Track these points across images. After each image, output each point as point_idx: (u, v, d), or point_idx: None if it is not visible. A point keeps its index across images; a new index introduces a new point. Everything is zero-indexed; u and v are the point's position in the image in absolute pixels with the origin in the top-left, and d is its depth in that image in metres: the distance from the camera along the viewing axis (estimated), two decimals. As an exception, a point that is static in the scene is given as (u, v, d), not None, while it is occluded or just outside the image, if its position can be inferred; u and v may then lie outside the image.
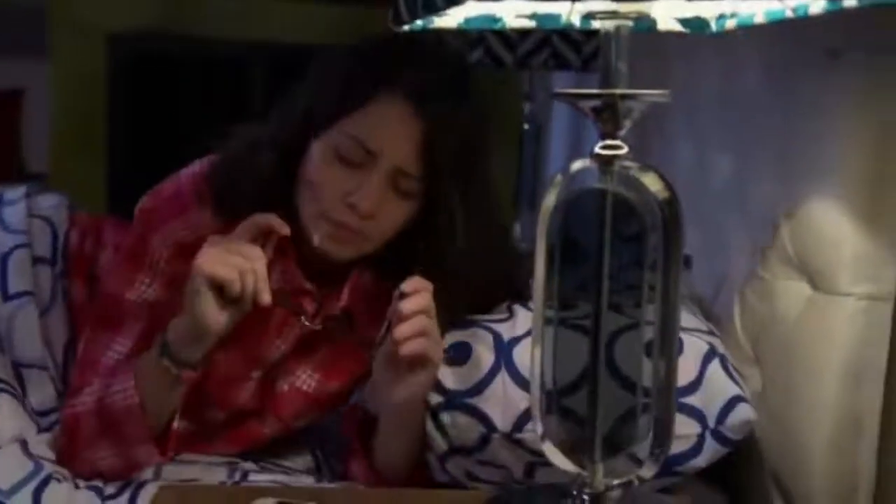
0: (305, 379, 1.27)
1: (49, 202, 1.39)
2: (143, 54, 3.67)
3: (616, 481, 0.90)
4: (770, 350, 1.20)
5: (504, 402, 1.12)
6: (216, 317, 1.06)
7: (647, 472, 0.90)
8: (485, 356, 1.15)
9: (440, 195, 1.12)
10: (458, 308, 1.16)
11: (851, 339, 1.08)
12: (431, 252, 1.14)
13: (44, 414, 1.25)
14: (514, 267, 1.23)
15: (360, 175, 1.11)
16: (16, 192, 1.40)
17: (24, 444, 1.18)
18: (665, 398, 0.89)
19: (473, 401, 1.13)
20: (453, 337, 1.17)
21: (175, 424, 1.15)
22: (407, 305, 1.03)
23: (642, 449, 0.89)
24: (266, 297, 1.06)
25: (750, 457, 1.19)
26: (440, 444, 1.15)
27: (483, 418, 1.13)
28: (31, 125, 4.06)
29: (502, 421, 1.12)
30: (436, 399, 1.14)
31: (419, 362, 1.06)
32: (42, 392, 1.25)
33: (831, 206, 1.10)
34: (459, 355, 1.15)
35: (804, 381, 1.12)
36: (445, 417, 1.14)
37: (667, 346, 0.88)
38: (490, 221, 1.19)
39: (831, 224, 1.10)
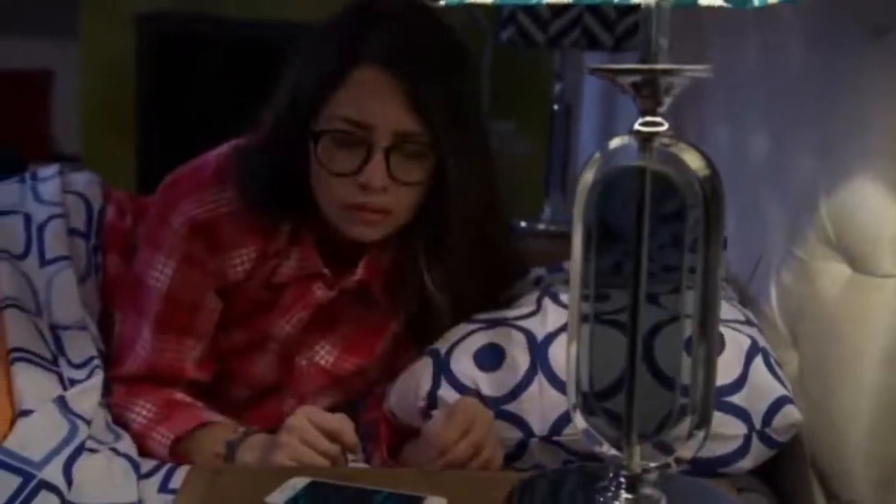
0: (324, 355, 1.28)
1: (82, 179, 1.40)
2: (171, 35, 3.67)
3: (653, 464, 0.89)
4: (808, 332, 1.17)
5: (541, 405, 1.10)
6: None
7: (686, 452, 0.88)
8: (519, 359, 1.13)
9: (443, 149, 1.12)
10: (467, 281, 1.19)
11: (892, 321, 1.06)
12: (441, 209, 1.15)
13: (82, 365, 1.24)
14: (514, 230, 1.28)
15: (364, 153, 1.11)
16: (49, 170, 1.41)
17: (61, 401, 1.16)
18: (706, 378, 0.87)
19: (510, 407, 1.11)
20: (484, 339, 1.15)
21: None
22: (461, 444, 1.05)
23: (680, 432, 0.88)
24: (357, 450, 1.10)
25: (788, 440, 1.17)
26: None
27: (520, 423, 1.11)
28: (61, 107, 4.07)
29: (540, 425, 1.11)
30: None
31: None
32: (80, 346, 1.25)
33: (872, 186, 1.07)
34: (492, 360, 1.14)
35: (843, 365, 1.10)
36: None
37: (707, 327, 0.86)
38: (492, 177, 1.20)
39: (872, 204, 1.08)
